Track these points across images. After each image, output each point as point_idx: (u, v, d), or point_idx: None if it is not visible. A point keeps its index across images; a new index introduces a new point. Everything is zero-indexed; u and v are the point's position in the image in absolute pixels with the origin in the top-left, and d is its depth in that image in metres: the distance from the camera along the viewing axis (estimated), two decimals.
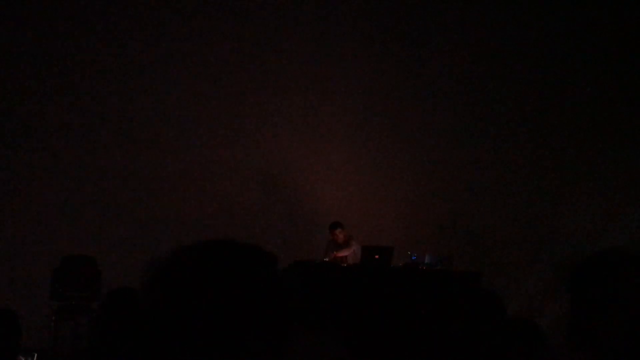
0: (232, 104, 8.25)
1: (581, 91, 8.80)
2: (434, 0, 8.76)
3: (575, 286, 1.62)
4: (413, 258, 6.99)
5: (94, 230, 7.44)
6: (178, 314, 0.91)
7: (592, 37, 8.82)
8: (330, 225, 7.34)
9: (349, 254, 7.23)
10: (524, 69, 8.81)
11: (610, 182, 8.72)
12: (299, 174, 8.33)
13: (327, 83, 8.49)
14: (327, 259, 7.08)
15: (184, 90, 8.07)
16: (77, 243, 7.24)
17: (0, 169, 7.44)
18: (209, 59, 8.21)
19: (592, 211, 8.61)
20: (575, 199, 8.71)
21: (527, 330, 2.70)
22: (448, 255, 7.12)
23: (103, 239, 7.38)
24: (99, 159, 7.72)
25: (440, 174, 8.58)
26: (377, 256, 6.78)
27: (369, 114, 8.57)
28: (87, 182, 7.63)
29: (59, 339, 6.45)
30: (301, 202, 8.27)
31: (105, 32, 7.84)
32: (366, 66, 8.57)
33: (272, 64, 8.36)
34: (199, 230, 7.60)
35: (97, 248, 7.20)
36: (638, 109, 8.87)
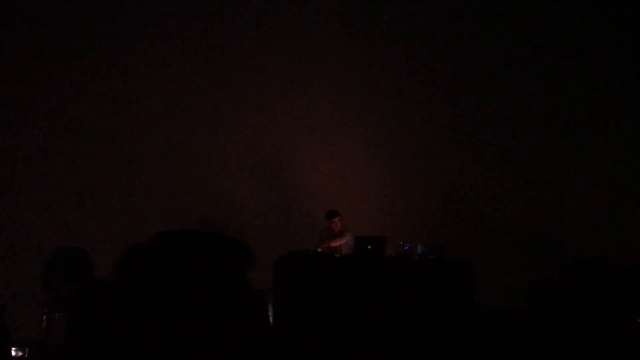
0: (227, 95, 8.19)
1: (577, 87, 8.86)
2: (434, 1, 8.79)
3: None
4: (405, 248, 6.99)
5: (86, 221, 7.40)
6: (152, 303, 0.91)
7: (588, 37, 8.86)
8: (329, 214, 7.32)
9: (342, 244, 7.22)
10: (516, 68, 8.85)
11: (605, 177, 8.79)
12: (292, 164, 8.30)
13: (326, 76, 8.45)
14: (319, 249, 7.08)
15: (178, 84, 8.01)
16: (69, 235, 7.20)
17: None
18: (207, 52, 8.15)
19: (585, 204, 8.67)
20: (568, 190, 8.76)
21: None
22: (440, 245, 7.13)
23: (95, 230, 7.34)
24: (90, 150, 7.66)
25: (433, 166, 8.59)
26: (369, 246, 6.78)
27: (363, 106, 8.55)
28: (79, 173, 7.57)
29: (51, 332, 6.42)
30: (293, 192, 8.25)
31: (104, 27, 7.77)
32: (363, 61, 8.55)
33: (272, 57, 8.31)
34: (192, 221, 7.58)
35: (90, 240, 7.16)
36: (633, 105, 8.94)
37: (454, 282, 6.62)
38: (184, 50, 8.05)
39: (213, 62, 8.15)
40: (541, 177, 8.77)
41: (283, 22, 8.36)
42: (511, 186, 8.69)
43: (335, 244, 7.20)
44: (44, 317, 6.48)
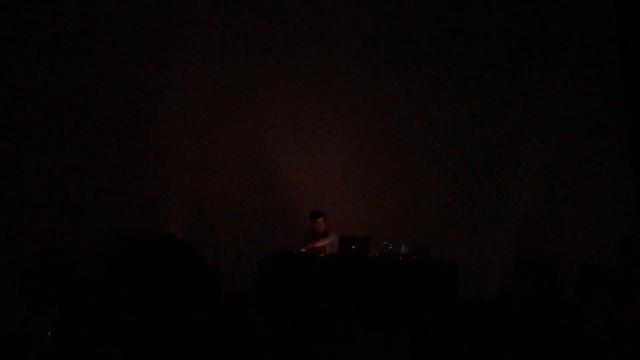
0: (214, 96, 8.16)
1: (566, 94, 8.96)
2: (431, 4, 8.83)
3: None
4: (389, 248, 7.01)
5: (68, 221, 7.32)
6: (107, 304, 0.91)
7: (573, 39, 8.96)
8: (313, 215, 7.32)
9: (327, 244, 7.22)
10: (506, 70, 8.92)
11: (589, 176, 8.87)
12: (278, 163, 8.28)
13: (312, 77, 8.46)
14: (304, 250, 7.07)
15: (167, 83, 7.96)
16: (50, 235, 7.12)
17: None
18: (198, 53, 8.11)
19: (570, 206, 8.75)
20: (553, 191, 8.83)
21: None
22: (424, 246, 7.15)
23: (77, 230, 7.26)
24: (74, 149, 7.58)
25: (417, 166, 8.62)
26: (354, 247, 6.78)
27: (348, 107, 8.55)
28: (63, 173, 7.49)
29: (31, 332, 6.34)
30: (280, 191, 8.23)
31: (101, 29, 7.72)
32: (350, 63, 8.57)
33: (262, 61, 8.30)
34: (178, 221, 7.54)
35: (71, 240, 7.08)
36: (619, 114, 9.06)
37: (438, 283, 6.64)
38: (175, 50, 8.01)
39: (203, 63, 8.11)
40: (524, 179, 8.84)
41: (274, 27, 8.35)
42: (495, 187, 8.74)
43: (319, 244, 7.20)
44: (24, 317, 6.39)
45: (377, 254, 6.96)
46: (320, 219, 7.25)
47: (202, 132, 8.05)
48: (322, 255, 6.99)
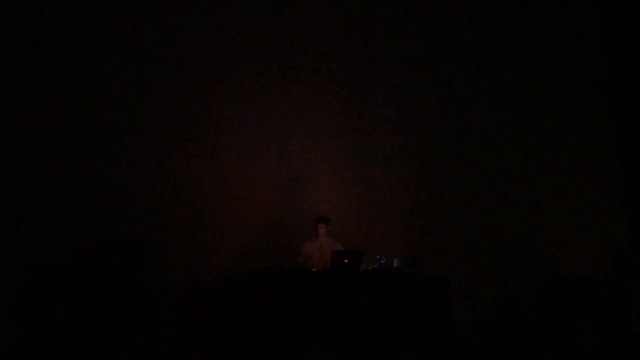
0: (226, 101, 8.19)
1: (552, 107, 9.05)
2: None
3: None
4: (382, 262, 7.01)
5: (65, 236, 7.25)
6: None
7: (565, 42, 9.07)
8: (322, 219, 7.35)
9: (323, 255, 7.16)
10: (497, 82, 9.01)
11: (580, 188, 8.94)
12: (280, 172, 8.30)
13: (323, 86, 8.50)
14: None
15: (171, 86, 7.98)
16: (47, 250, 7.06)
17: None
18: (214, 56, 8.15)
19: (559, 216, 8.80)
20: (543, 204, 8.89)
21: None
22: (417, 259, 7.15)
23: (74, 244, 7.19)
24: (75, 161, 7.53)
25: (409, 180, 8.65)
26: (346, 260, 6.78)
27: (343, 120, 8.59)
28: (63, 187, 7.43)
29: (27, 349, 6.29)
30: (278, 204, 8.21)
31: (114, 30, 7.74)
32: (352, 80, 8.63)
33: (279, 68, 8.35)
34: (183, 234, 7.52)
35: (68, 254, 7.02)
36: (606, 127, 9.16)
37: (431, 296, 6.64)
38: (197, 63, 8.04)
39: (220, 69, 8.15)
40: (516, 192, 8.88)
41: (294, 43, 8.44)
42: (487, 200, 8.77)
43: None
44: (21, 333, 6.34)
45: (369, 268, 6.95)
46: (321, 224, 7.29)
47: (227, 136, 8.06)
48: (314, 270, 6.97)
